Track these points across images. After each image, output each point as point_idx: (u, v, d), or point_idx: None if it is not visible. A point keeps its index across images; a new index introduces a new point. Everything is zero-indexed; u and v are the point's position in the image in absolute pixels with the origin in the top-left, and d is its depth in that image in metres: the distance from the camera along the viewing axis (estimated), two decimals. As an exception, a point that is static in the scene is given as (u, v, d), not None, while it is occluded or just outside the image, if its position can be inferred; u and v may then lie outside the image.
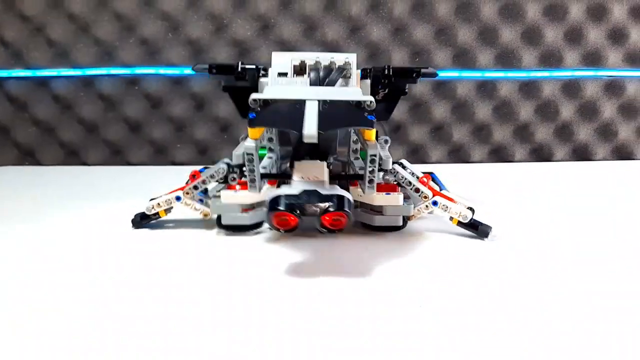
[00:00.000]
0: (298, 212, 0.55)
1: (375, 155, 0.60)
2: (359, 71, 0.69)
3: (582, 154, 1.18)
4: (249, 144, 0.59)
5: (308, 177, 0.61)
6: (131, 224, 0.70)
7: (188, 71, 1.08)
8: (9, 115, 1.11)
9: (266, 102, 0.56)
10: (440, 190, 0.73)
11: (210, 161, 1.13)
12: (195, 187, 0.69)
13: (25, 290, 0.51)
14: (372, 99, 0.56)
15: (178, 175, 0.79)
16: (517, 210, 0.79)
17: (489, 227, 0.65)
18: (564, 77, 1.14)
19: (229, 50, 1.09)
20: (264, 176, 0.67)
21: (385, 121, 0.77)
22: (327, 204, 0.55)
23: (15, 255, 0.60)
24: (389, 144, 0.77)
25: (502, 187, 0.95)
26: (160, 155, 1.14)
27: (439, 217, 0.71)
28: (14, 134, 1.12)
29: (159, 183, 0.80)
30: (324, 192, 0.56)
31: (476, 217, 0.66)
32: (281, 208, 0.54)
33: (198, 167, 0.77)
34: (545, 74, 1.14)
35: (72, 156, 1.13)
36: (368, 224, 0.68)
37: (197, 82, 1.10)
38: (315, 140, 0.51)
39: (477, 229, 0.65)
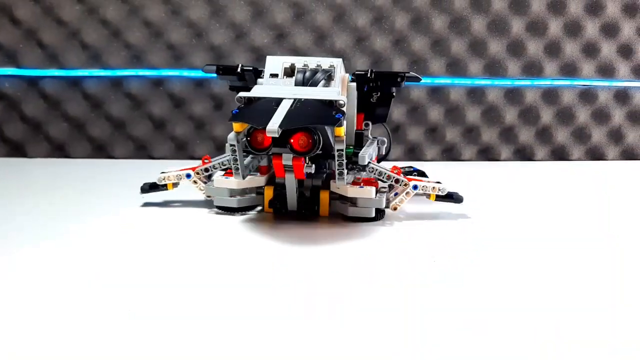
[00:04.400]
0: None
1: (342, 150, 0.64)
2: (349, 75, 0.76)
3: (559, 154, 1.33)
4: (231, 135, 0.64)
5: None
6: (140, 190, 0.81)
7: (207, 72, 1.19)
8: (42, 111, 1.20)
9: (250, 100, 0.62)
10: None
11: (226, 156, 1.24)
12: (206, 170, 0.79)
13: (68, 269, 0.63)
14: (344, 99, 0.62)
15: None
16: (501, 203, 0.90)
17: (461, 195, 0.77)
18: (544, 86, 1.29)
19: (248, 56, 1.20)
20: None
21: (384, 123, 0.84)
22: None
23: (45, 233, 0.70)
24: (385, 145, 0.84)
25: (488, 183, 1.08)
26: (181, 151, 1.25)
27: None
28: (47, 129, 1.21)
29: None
30: None
31: (465, 208, 0.79)
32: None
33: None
34: (527, 82, 1.28)
35: (100, 150, 1.23)
36: (343, 214, 0.76)
37: (217, 85, 1.21)
38: (276, 135, 0.56)
39: (452, 197, 0.77)
